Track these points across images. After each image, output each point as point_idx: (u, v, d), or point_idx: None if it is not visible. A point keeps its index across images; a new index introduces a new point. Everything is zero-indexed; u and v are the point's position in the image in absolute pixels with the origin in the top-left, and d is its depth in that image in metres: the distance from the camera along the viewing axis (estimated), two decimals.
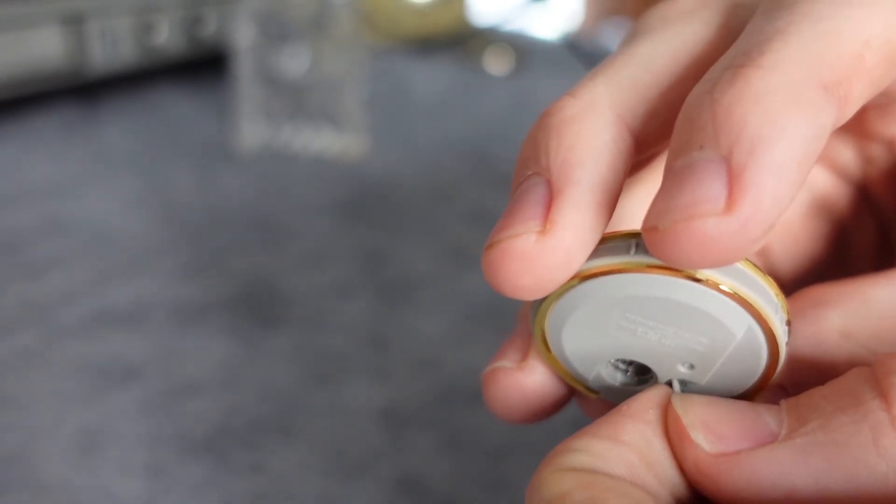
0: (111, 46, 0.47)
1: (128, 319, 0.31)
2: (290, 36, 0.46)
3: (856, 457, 0.13)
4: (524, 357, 0.17)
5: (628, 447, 0.14)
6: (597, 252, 0.15)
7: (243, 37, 0.46)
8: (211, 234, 0.38)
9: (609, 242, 0.15)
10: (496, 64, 0.69)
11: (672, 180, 0.13)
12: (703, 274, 0.14)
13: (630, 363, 0.16)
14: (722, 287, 0.14)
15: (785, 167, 0.12)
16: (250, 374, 0.28)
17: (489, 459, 0.25)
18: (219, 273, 0.34)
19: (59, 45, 0.45)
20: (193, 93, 0.56)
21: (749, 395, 0.16)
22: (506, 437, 0.25)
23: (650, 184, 0.19)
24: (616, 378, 0.16)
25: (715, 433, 0.14)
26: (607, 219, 0.15)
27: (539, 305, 0.16)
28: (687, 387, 0.16)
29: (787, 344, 0.15)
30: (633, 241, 0.14)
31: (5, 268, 0.34)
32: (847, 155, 0.20)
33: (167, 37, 0.50)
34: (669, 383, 0.16)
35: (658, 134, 0.16)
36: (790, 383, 0.16)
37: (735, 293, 0.14)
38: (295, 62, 0.46)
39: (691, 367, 0.15)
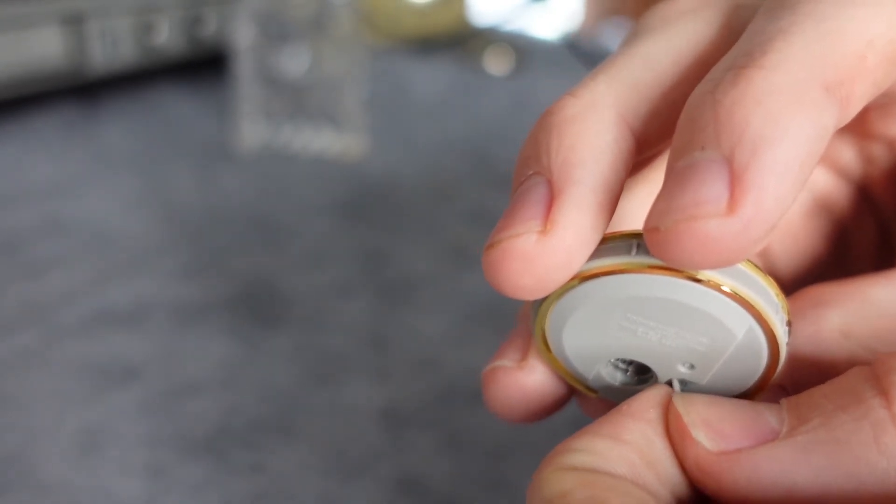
0: (111, 46, 0.47)
1: (128, 319, 0.31)
2: (290, 36, 0.46)
3: (857, 454, 0.13)
4: (524, 356, 0.17)
5: (629, 446, 0.14)
6: (598, 252, 0.15)
7: (243, 37, 0.46)
8: (211, 234, 0.38)
9: (610, 243, 0.15)
10: (496, 64, 0.69)
11: (674, 181, 0.13)
12: (704, 275, 0.14)
13: (630, 363, 0.16)
14: (723, 288, 0.14)
15: (787, 168, 0.12)
16: (250, 374, 0.28)
17: (489, 459, 0.25)
18: (219, 273, 0.34)
19: (59, 45, 0.45)
20: (193, 93, 0.56)
21: (749, 394, 0.16)
22: (506, 437, 0.25)
23: (651, 184, 0.19)
24: (616, 378, 0.16)
25: (716, 431, 0.14)
26: (608, 219, 0.15)
27: (539, 305, 0.16)
28: (687, 386, 0.16)
29: (787, 344, 0.15)
30: (635, 241, 0.14)
31: (5, 268, 0.34)
32: (848, 155, 0.20)
33: (167, 37, 0.50)
34: (669, 383, 0.16)
35: (659, 134, 0.16)
36: (790, 383, 0.16)
37: (736, 294, 0.14)
38: (295, 62, 0.46)
39: (691, 366, 0.15)
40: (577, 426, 0.15)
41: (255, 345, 0.30)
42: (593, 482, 0.13)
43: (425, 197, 0.43)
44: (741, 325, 0.14)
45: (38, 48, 0.44)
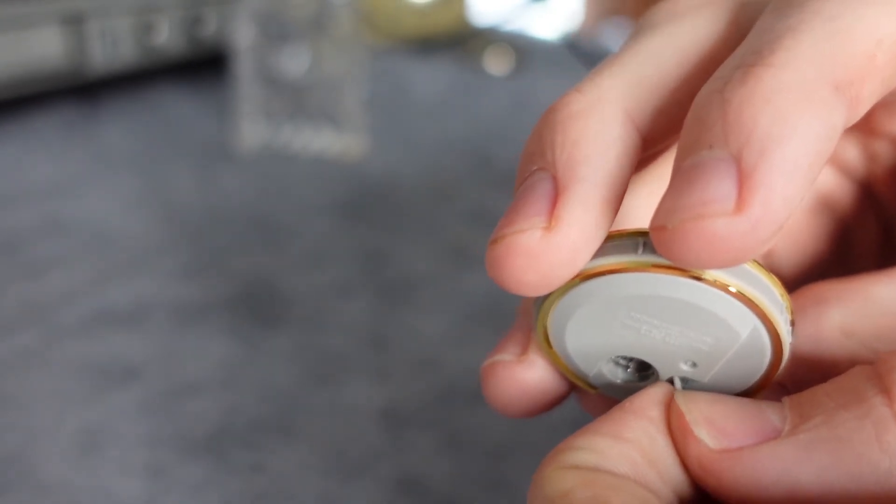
0: (111, 46, 0.47)
1: (128, 319, 0.31)
2: (290, 36, 0.46)
3: (859, 452, 0.13)
4: (524, 351, 0.17)
5: (631, 444, 0.14)
6: (603, 250, 0.15)
7: (243, 37, 0.46)
8: (211, 234, 0.38)
9: (615, 240, 0.15)
10: (496, 64, 0.69)
11: (681, 179, 0.13)
12: (709, 274, 0.14)
13: (631, 360, 0.16)
14: (730, 288, 0.14)
15: (796, 167, 0.12)
16: (250, 374, 0.28)
17: (489, 459, 0.25)
18: (219, 273, 0.34)
19: (59, 45, 0.45)
20: (193, 93, 0.56)
21: (750, 393, 0.16)
22: (506, 437, 0.25)
23: (655, 181, 0.19)
24: (617, 375, 0.16)
25: (718, 429, 0.14)
26: (613, 216, 0.15)
27: (542, 302, 0.16)
28: (688, 384, 0.16)
29: (790, 344, 0.15)
30: (641, 239, 0.14)
31: (5, 268, 0.34)
32: (851, 152, 0.20)
33: (167, 37, 0.50)
34: (671, 381, 0.16)
35: (664, 131, 0.16)
36: (790, 381, 0.16)
37: (742, 294, 0.14)
38: (295, 62, 0.46)
39: (694, 365, 0.15)
40: (577, 425, 0.15)
41: (255, 345, 0.30)
42: (595, 481, 0.13)
43: (425, 197, 0.43)
44: (746, 325, 0.14)
45: (38, 48, 0.44)
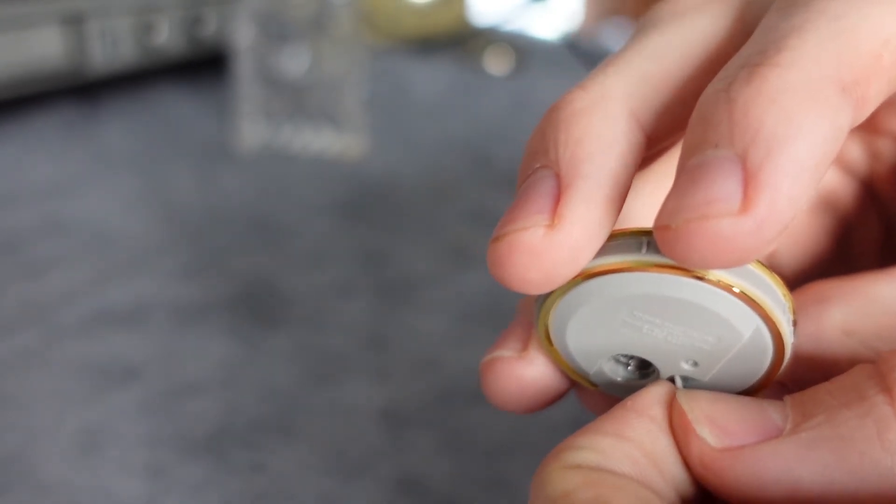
0: (111, 46, 0.47)
1: (128, 319, 0.31)
2: (290, 36, 0.46)
3: (861, 450, 0.13)
4: (524, 347, 0.17)
5: (633, 444, 0.14)
6: (606, 249, 0.15)
7: (243, 37, 0.46)
8: (211, 234, 0.38)
9: (618, 239, 0.15)
10: (496, 64, 0.69)
11: (685, 178, 0.13)
12: (713, 274, 0.14)
13: (632, 358, 0.16)
14: (733, 289, 0.14)
15: (802, 168, 0.12)
16: (250, 374, 0.28)
17: (489, 459, 0.25)
18: (219, 273, 0.34)
19: (59, 45, 0.45)
20: (193, 93, 0.56)
21: (750, 392, 0.16)
22: (506, 437, 0.25)
23: (658, 179, 0.19)
24: (618, 373, 0.16)
25: (720, 428, 0.14)
26: (616, 214, 0.15)
27: (544, 300, 0.16)
28: (689, 383, 0.16)
29: (792, 345, 0.15)
30: (644, 239, 0.14)
31: (5, 268, 0.34)
32: (854, 150, 0.20)
33: (167, 37, 0.50)
34: (671, 379, 0.16)
35: (668, 129, 0.16)
36: (790, 380, 0.16)
37: (745, 294, 0.14)
38: (295, 62, 0.46)
39: (695, 364, 0.15)
40: (577, 424, 0.15)
41: (255, 345, 0.30)
42: (597, 481, 0.13)
43: (425, 197, 0.43)
44: (748, 326, 0.14)
45: (38, 48, 0.44)
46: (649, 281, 0.14)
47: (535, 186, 0.15)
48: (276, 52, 0.46)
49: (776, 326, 0.14)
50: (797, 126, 0.12)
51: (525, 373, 0.17)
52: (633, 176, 0.15)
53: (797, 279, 0.21)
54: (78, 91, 0.52)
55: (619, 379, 0.16)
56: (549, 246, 0.14)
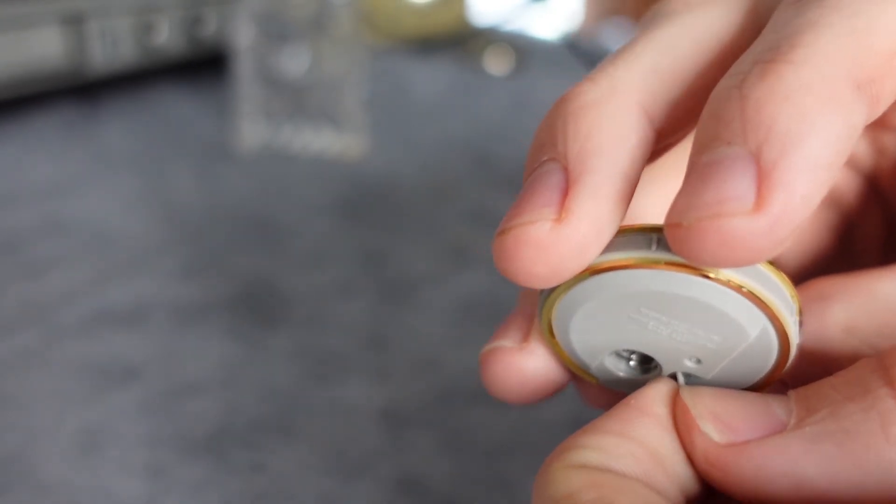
0: (111, 46, 0.47)
1: (128, 319, 0.31)
2: (290, 36, 0.46)
3: (865, 444, 0.13)
4: (525, 338, 0.17)
5: (637, 443, 0.14)
6: (614, 244, 0.14)
7: (243, 37, 0.46)
8: (211, 234, 0.38)
9: (627, 235, 0.14)
10: (496, 64, 0.69)
11: (697, 176, 0.13)
12: (722, 274, 0.14)
13: (634, 353, 0.16)
14: (742, 289, 0.14)
15: (816, 166, 0.12)
16: (250, 374, 0.28)
17: (489, 459, 0.25)
18: (219, 273, 0.34)
19: (59, 45, 0.45)
20: (193, 93, 0.56)
21: (752, 390, 0.16)
22: (506, 437, 0.25)
23: (666, 174, 0.19)
24: (620, 367, 0.16)
25: (724, 423, 0.14)
26: (625, 209, 0.14)
27: (549, 293, 0.15)
28: (691, 380, 0.16)
29: (797, 345, 0.15)
30: (654, 235, 0.14)
31: (5, 268, 0.34)
32: (860, 145, 0.20)
33: (167, 37, 0.50)
34: (673, 376, 0.16)
35: (678, 123, 0.16)
36: (791, 376, 0.16)
37: (754, 294, 0.14)
38: (295, 62, 0.46)
39: (698, 361, 0.15)
40: (577, 424, 0.15)
41: (255, 345, 0.30)
42: (601, 482, 0.13)
43: (425, 197, 0.43)
44: (756, 326, 0.14)
45: (38, 48, 0.44)
46: (658, 278, 0.14)
47: (543, 179, 0.14)
48: (276, 52, 0.46)
49: (783, 327, 0.14)
50: (811, 124, 0.12)
51: (525, 364, 0.17)
52: (641, 170, 0.15)
53: (799, 275, 0.20)
54: (78, 91, 0.52)
55: (620, 373, 0.16)
56: (556, 240, 0.14)
